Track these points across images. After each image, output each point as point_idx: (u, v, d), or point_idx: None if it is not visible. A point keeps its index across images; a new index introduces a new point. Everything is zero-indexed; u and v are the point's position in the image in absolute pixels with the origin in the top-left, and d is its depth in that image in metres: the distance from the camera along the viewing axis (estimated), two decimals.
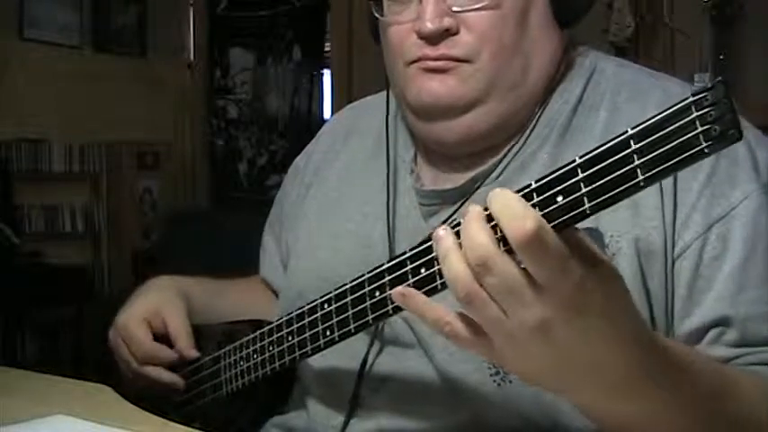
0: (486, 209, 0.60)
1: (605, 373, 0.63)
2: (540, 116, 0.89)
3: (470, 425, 0.84)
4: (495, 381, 0.83)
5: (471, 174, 0.90)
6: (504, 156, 0.89)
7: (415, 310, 0.65)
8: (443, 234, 0.62)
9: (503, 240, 0.58)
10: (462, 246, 0.60)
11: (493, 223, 0.59)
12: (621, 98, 0.89)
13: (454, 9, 0.85)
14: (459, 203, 0.90)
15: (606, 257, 0.61)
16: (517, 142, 0.89)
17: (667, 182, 0.80)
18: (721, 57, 2.73)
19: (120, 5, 4.45)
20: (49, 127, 4.07)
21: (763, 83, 2.62)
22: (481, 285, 0.59)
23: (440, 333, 0.64)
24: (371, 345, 0.90)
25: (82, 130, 4.19)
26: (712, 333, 0.80)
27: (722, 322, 0.79)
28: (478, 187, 0.89)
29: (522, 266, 0.58)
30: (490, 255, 0.58)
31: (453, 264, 0.60)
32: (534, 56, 0.88)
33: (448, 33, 0.85)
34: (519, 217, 0.56)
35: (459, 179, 0.91)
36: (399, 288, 0.66)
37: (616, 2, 2.92)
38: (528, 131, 0.89)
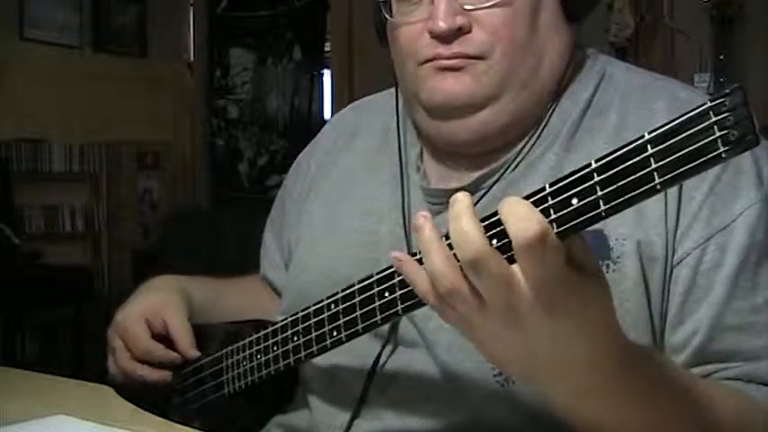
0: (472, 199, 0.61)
1: (572, 373, 0.65)
2: (550, 116, 0.90)
3: (473, 424, 0.85)
4: (498, 381, 0.83)
5: (479, 172, 0.90)
6: (513, 155, 0.89)
7: (407, 275, 0.66)
8: (424, 223, 0.63)
9: (494, 237, 0.60)
10: (452, 237, 0.60)
11: (486, 222, 0.61)
12: (631, 102, 0.89)
13: (466, 7, 0.85)
14: None
15: (600, 271, 0.62)
16: (527, 142, 0.89)
17: (672, 189, 0.80)
18: (721, 57, 2.73)
19: (120, 5, 4.45)
20: (49, 127, 4.07)
21: (763, 83, 2.62)
22: (466, 280, 0.60)
23: (427, 303, 0.65)
24: (385, 346, 0.90)
25: (82, 130, 4.19)
26: (698, 342, 0.80)
27: (710, 331, 0.80)
28: (486, 186, 0.89)
29: (510, 263, 0.59)
30: (484, 255, 0.59)
31: (436, 259, 0.61)
32: (546, 53, 0.88)
33: (461, 32, 0.85)
34: (525, 219, 0.57)
35: (466, 178, 0.91)
36: (396, 253, 0.67)
37: (616, 2, 2.92)
38: (538, 132, 0.89)
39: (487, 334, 0.63)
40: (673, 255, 0.81)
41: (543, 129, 0.89)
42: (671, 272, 0.81)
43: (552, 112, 0.90)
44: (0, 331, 3.65)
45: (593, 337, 0.63)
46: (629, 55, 2.87)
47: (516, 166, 0.89)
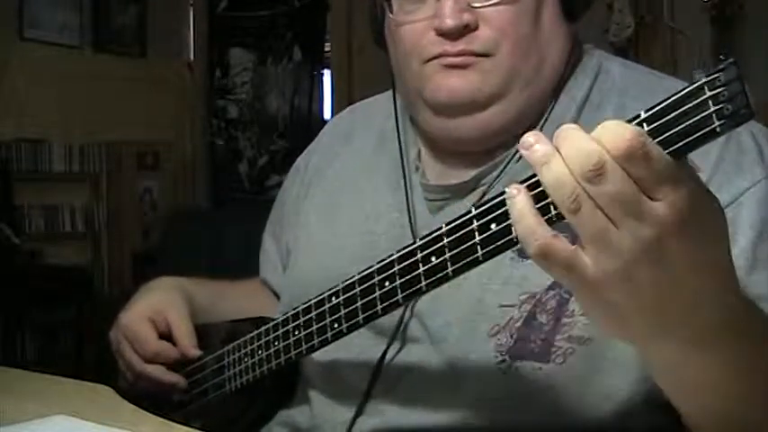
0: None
1: (702, 313, 0.60)
2: (550, 112, 0.90)
3: (476, 414, 0.85)
4: (500, 369, 0.83)
5: (478, 169, 0.91)
6: (513, 151, 0.89)
7: (519, 209, 0.59)
8: (536, 138, 0.57)
9: None
10: (567, 155, 0.55)
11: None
12: (628, 97, 0.89)
13: (473, 5, 0.86)
14: (466, 198, 0.90)
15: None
16: None
17: None
18: (721, 57, 2.73)
19: (120, 5, 4.45)
20: (49, 127, 4.07)
21: (763, 83, 2.62)
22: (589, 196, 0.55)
23: (527, 247, 0.58)
24: (390, 344, 0.90)
25: (82, 130, 4.19)
26: None
27: None
28: (487, 182, 0.90)
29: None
30: (606, 159, 0.54)
31: (557, 167, 0.55)
32: (548, 50, 0.89)
33: (467, 29, 0.86)
34: (618, 130, 0.54)
35: (465, 174, 0.92)
36: (517, 185, 0.61)
37: (616, 2, 2.92)
38: (538, 128, 0.90)
39: (618, 268, 0.56)
40: None
41: (543, 124, 0.90)
42: None
43: (552, 109, 0.90)
44: (0, 331, 3.65)
45: (727, 268, 0.60)
46: (629, 55, 2.86)
47: (517, 162, 0.89)
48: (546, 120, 0.90)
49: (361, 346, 0.90)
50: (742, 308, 0.64)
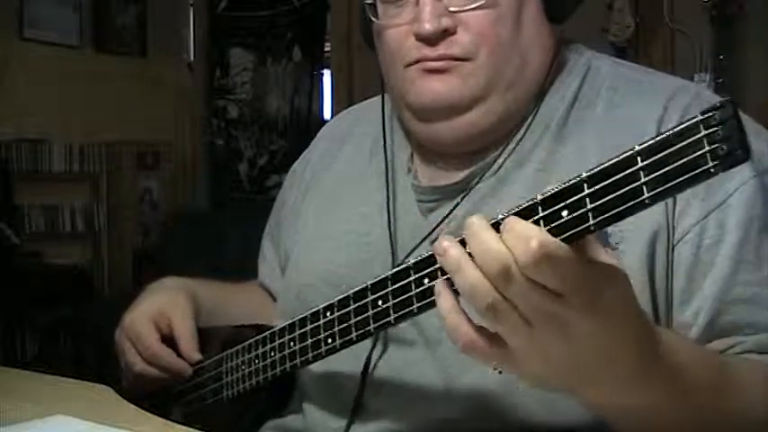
0: (492, 221, 0.60)
1: (614, 368, 0.64)
2: (536, 112, 0.90)
3: (472, 418, 0.85)
4: (498, 371, 0.83)
5: (469, 170, 0.91)
6: (502, 152, 0.90)
7: (444, 308, 0.64)
8: (449, 245, 0.61)
9: None
10: (476, 257, 0.59)
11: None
12: (618, 94, 0.90)
13: (451, 9, 0.86)
14: (457, 199, 0.90)
15: (612, 259, 0.61)
16: (514, 138, 0.90)
17: None
18: (721, 57, 2.73)
19: (120, 5, 4.45)
20: (49, 127, 4.07)
21: (763, 83, 2.62)
22: (501, 294, 0.59)
23: (454, 342, 0.63)
24: (374, 347, 0.90)
25: (82, 130, 4.19)
26: (707, 315, 0.81)
27: (718, 304, 0.80)
28: (477, 182, 0.90)
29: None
30: (511, 264, 0.57)
31: (470, 274, 0.59)
32: (530, 52, 0.89)
33: (446, 33, 0.86)
34: (523, 238, 0.56)
35: (456, 176, 0.92)
36: (441, 281, 0.65)
37: (616, 2, 2.91)
38: (525, 128, 0.90)
39: (536, 350, 0.62)
40: (673, 234, 0.82)
41: (531, 125, 0.90)
42: (672, 251, 0.82)
43: (539, 108, 0.90)
44: (0, 331, 3.65)
45: (631, 326, 0.63)
46: (628, 55, 2.86)
47: (504, 162, 0.89)
48: (533, 119, 0.90)
49: (355, 352, 0.89)
50: (659, 353, 0.67)
